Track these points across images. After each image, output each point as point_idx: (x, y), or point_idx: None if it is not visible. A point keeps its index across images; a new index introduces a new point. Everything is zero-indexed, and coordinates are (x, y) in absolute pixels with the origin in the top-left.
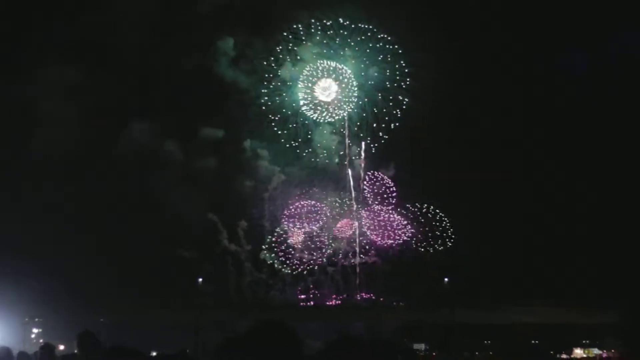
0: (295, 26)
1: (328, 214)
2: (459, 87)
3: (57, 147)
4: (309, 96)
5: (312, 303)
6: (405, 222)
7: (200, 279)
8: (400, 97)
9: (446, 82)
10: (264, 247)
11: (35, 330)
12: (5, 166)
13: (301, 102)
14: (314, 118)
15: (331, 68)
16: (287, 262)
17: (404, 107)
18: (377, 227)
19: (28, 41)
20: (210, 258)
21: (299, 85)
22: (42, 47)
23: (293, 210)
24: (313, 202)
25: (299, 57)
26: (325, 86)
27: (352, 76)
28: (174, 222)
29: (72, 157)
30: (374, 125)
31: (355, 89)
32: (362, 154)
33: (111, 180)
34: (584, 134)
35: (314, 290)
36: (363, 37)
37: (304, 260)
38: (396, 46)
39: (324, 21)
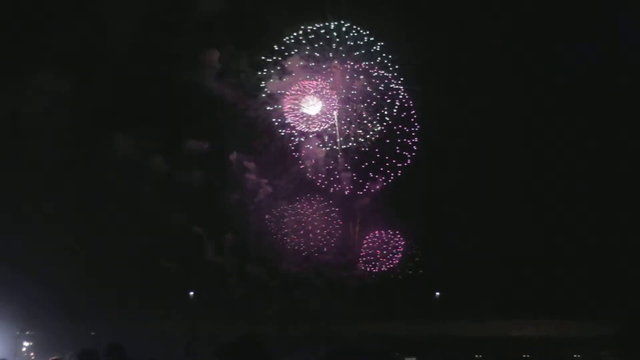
0: (282, 39)
1: (316, 224)
2: (448, 101)
3: (43, 158)
4: (296, 109)
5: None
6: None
7: (192, 292)
8: (386, 110)
9: (434, 96)
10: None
11: (26, 344)
12: None
13: (288, 115)
14: (301, 130)
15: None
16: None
17: (389, 120)
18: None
19: (11, 50)
20: (195, 271)
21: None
22: (24, 56)
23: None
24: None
25: (285, 70)
26: (311, 102)
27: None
28: (159, 234)
29: (57, 167)
30: (360, 139)
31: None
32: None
33: (94, 192)
34: (583, 138)
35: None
36: (350, 49)
37: (291, 271)
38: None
39: (311, 35)
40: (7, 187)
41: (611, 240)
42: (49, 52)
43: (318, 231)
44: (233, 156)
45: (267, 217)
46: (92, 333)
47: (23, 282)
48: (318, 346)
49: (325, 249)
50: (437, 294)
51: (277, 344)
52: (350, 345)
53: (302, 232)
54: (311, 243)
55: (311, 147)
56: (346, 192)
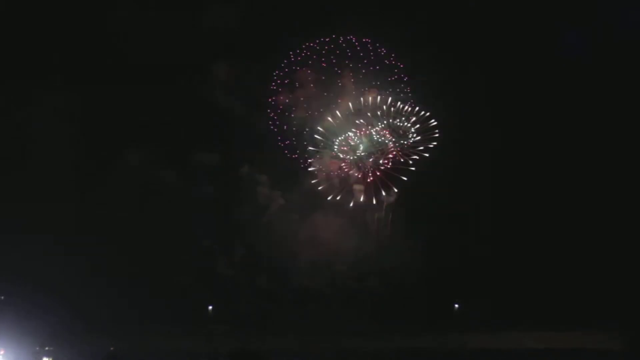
0: (291, 52)
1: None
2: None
3: (56, 173)
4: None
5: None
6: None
7: (210, 307)
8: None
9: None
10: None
11: (45, 359)
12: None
13: (300, 128)
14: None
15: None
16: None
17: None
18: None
19: (22, 64)
20: (207, 284)
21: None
22: (34, 71)
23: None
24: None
25: (296, 84)
26: None
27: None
28: (172, 248)
29: (72, 183)
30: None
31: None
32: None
33: (108, 208)
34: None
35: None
36: (359, 62)
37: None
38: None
39: (321, 47)
40: (25, 205)
41: (624, 254)
42: (60, 66)
43: (331, 243)
44: (245, 169)
45: (279, 229)
46: (111, 348)
47: (43, 298)
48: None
49: (338, 261)
50: (456, 306)
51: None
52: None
53: (315, 244)
54: (324, 255)
55: (324, 159)
56: (360, 204)
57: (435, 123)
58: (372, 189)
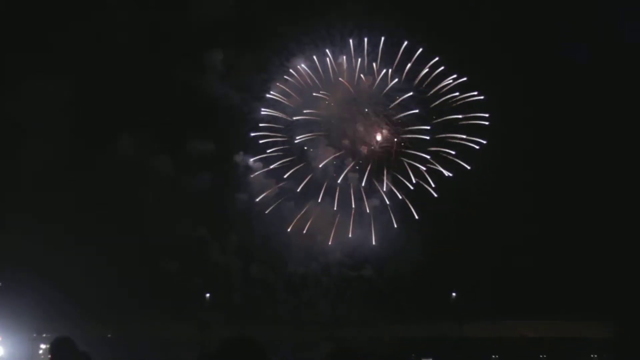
0: (286, 40)
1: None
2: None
3: (49, 160)
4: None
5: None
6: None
7: (208, 295)
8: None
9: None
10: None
11: (42, 346)
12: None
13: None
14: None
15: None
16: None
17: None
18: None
19: (13, 51)
20: (199, 273)
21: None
22: (26, 58)
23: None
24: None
25: (289, 71)
26: None
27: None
28: (164, 235)
29: (68, 170)
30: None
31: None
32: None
33: (100, 194)
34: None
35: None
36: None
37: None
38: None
39: (316, 36)
40: (19, 190)
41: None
42: (51, 53)
43: (326, 231)
44: (239, 157)
45: (273, 217)
46: (109, 335)
47: (40, 285)
48: (324, 349)
49: (333, 249)
50: (453, 294)
51: (284, 347)
52: (349, 349)
53: (309, 232)
54: (318, 243)
55: (319, 148)
56: (354, 192)
57: (481, 98)
58: (369, 177)
